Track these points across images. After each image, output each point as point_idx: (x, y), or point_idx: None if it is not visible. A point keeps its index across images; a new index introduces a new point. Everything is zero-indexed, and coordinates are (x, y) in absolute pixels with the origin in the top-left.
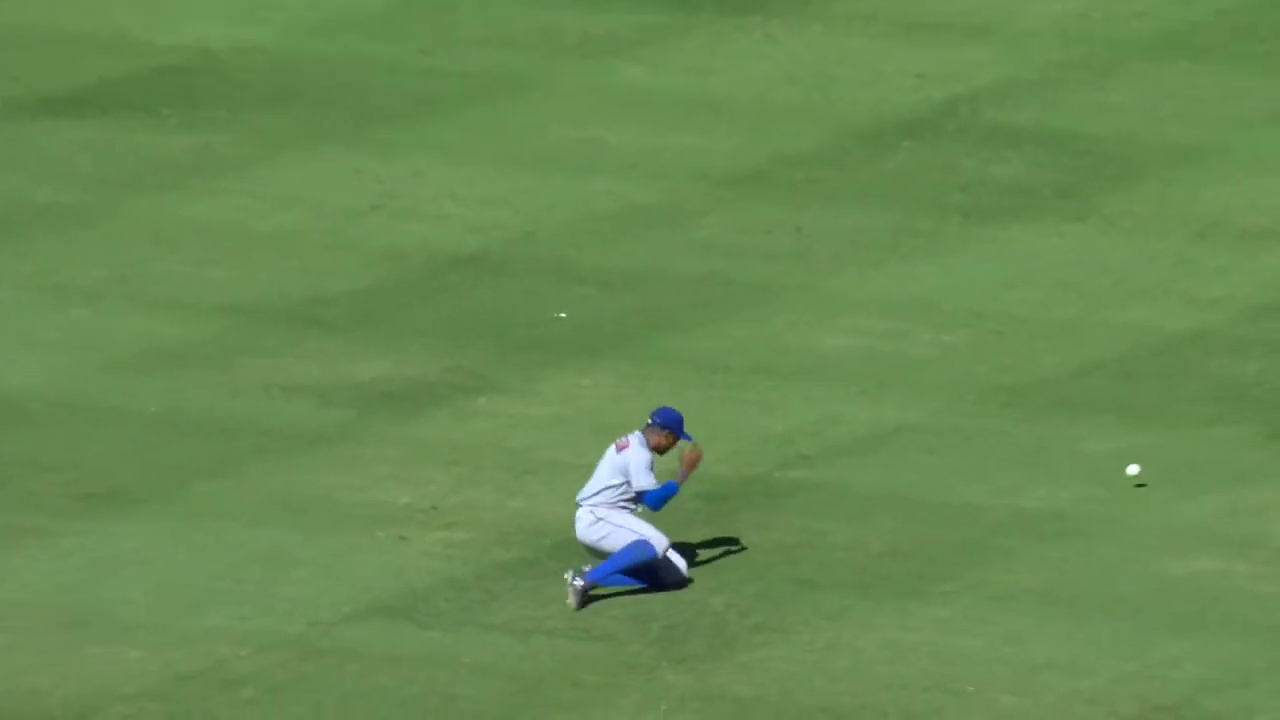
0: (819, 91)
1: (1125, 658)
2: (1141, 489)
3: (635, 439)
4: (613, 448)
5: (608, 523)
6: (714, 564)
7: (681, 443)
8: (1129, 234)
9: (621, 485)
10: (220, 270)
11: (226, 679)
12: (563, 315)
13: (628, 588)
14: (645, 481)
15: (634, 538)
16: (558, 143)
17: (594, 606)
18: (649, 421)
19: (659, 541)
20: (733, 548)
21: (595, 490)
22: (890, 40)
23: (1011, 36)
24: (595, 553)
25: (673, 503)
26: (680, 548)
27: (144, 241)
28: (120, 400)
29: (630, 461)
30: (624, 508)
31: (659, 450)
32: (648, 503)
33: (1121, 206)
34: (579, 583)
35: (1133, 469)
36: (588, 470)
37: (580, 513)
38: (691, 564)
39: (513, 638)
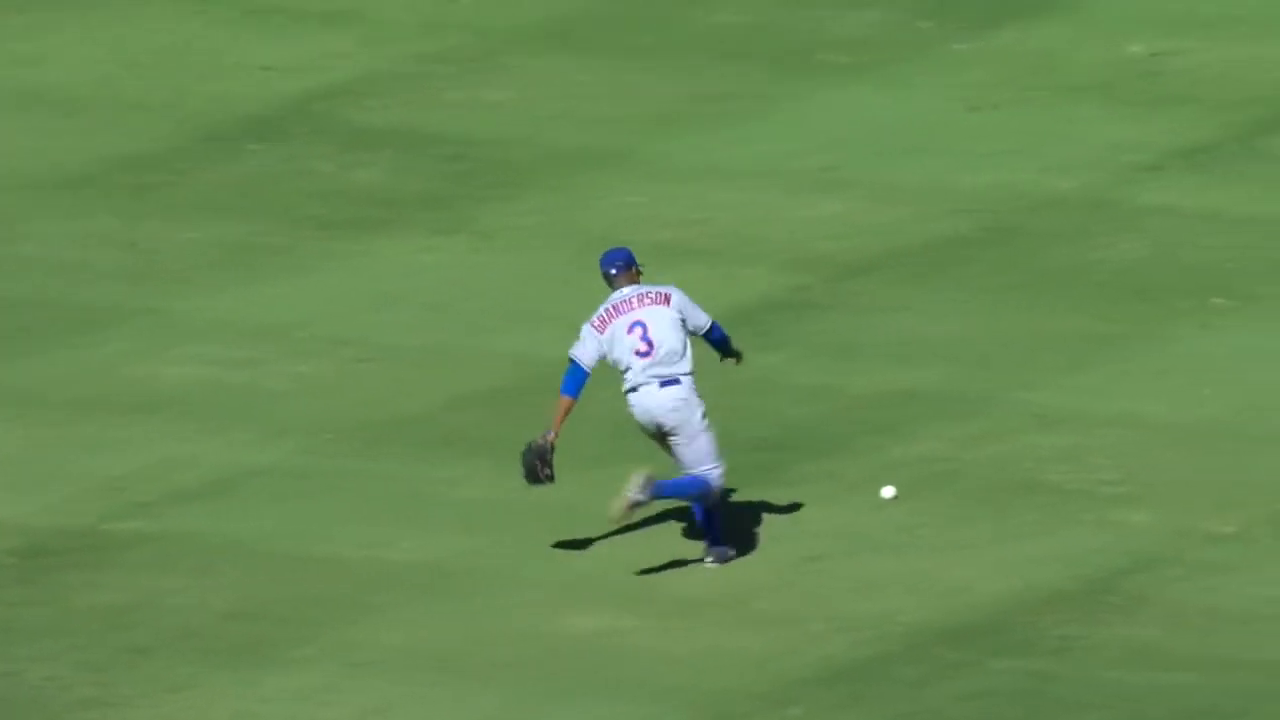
0: (154, 85)
1: None
2: (522, 539)
3: (650, 287)
4: (646, 305)
5: (698, 415)
6: (30, 630)
7: None
8: (509, 250)
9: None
10: None
11: None
12: None
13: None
14: (707, 316)
15: (712, 465)
16: None
17: None
18: (611, 273)
19: (717, 474)
20: (54, 611)
21: (678, 355)
22: (231, 27)
23: (370, 25)
24: (665, 433)
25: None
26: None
27: None
28: None
29: (684, 304)
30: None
31: None
32: (716, 336)
33: (500, 219)
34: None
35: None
36: None
37: (675, 389)
38: (16, 635)
39: None
